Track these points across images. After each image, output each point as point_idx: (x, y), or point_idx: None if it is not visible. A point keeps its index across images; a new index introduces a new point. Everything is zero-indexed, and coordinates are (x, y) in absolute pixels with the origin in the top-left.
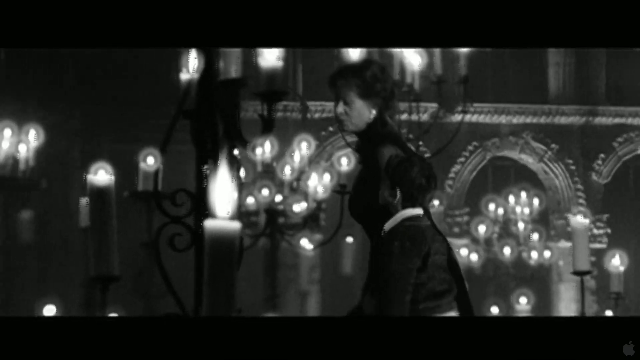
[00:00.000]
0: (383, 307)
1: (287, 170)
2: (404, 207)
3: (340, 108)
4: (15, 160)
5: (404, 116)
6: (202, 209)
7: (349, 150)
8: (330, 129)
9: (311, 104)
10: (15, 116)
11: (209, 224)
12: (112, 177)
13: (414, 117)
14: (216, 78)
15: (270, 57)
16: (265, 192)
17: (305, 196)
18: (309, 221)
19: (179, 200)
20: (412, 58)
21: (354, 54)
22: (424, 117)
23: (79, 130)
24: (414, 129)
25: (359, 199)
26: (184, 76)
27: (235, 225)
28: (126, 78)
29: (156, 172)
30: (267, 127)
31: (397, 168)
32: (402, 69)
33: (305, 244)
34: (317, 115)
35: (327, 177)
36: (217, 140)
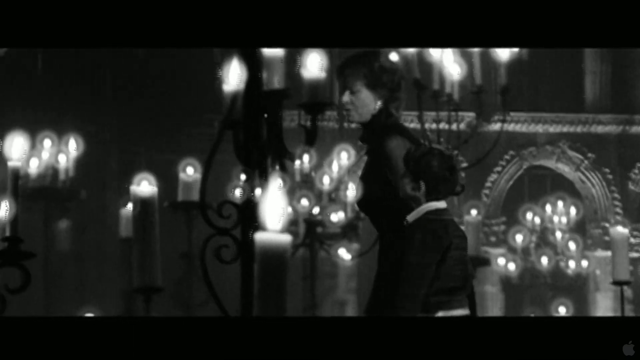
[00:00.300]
0: (396, 300)
1: (326, 180)
2: (428, 200)
3: (347, 97)
4: (55, 171)
5: (442, 125)
6: (248, 220)
7: None
8: None
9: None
10: (54, 126)
11: (259, 236)
12: (155, 188)
13: (453, 126)
14: (262, 88)
15: (313, 68)
16: (304, 202)
17: (343, 206)
18: (348, 231)
19: (225, 212)
20: (452, 68)
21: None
22: (461, 126)
23: (115, 139)
24: (452, 139)
25: (365, 190)
26: (228, 87)
27: (286, 238)
28: (163, 87)
29: (203, 184)
30: (310, 138)
31: (420, 160)
32: (441, 79)
33: (343, 253)
34: (353, 125)
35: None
36: (264, 152)
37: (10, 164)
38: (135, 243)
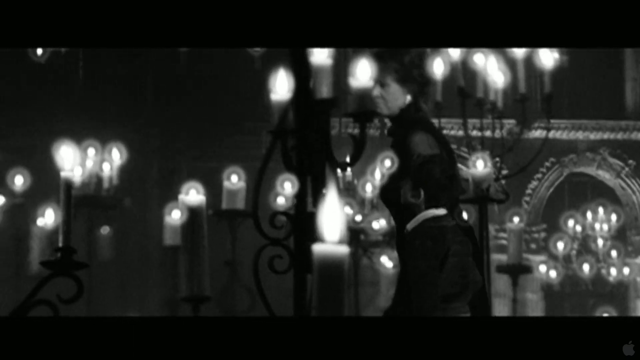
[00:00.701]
0: (414, 302)
1: (369, 187)
2: (427, 207)
3: (377, 91)
4: (99, 179)
5: (487, 133)
6: (301, 231)
7: None
8: None
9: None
10: (96, 134)
11: (317, 248)
12: (204, 197)
13: (497, 134)
14: (312, 97)
15: (362, 77)
16: (347, 210)
17: (386, 214)
18: (390, 239)
19: (278, 223)
20: (496, 75)
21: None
22: (500, 133)
23: (157, 147)
24: (496, 147)
25: (388, 182)
26: (275, 97)
27: (344, 249)
28: (204, 95)
29: (256, 193)
30: (359, 147)
31: (420, 169)
32: (486, 87)
33: (386, 261)
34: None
35: None
36: (316, 161)
37: (62, 174)
38: (183, 252)
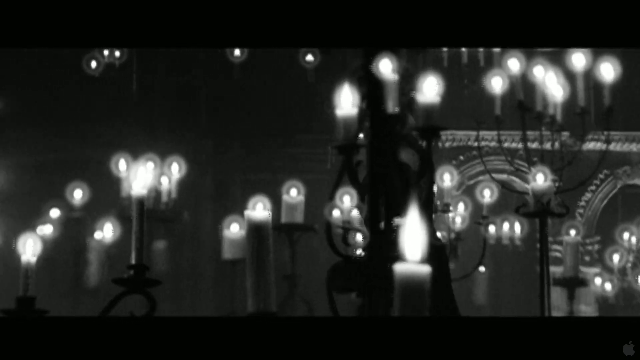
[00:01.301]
0: None
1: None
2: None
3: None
4: (157, 193)
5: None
6: (374, 248)
7: (490, 181)
8: (461, 157)
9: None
10: (149, 147)
11: (399, 268)
12: (269, 213)
13: (556, 147)
14: (385, 111)
15: (429, 93)
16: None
17: (444, 226)
18: (448, 252)
19: (350, 240)
20: (555, 89)
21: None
22: (560, 146)
23: (210, 160)
24: (555, 161)
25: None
26: (340, 112)
27: (426, 269)
28: (257, 107)
29: (329, 211)
30: (425, 162)
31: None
32: (545, 100)
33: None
34: (447, 145)
35: (461, 206)
36: (389, 177)
37: (134, 192)
38: (249, 268)
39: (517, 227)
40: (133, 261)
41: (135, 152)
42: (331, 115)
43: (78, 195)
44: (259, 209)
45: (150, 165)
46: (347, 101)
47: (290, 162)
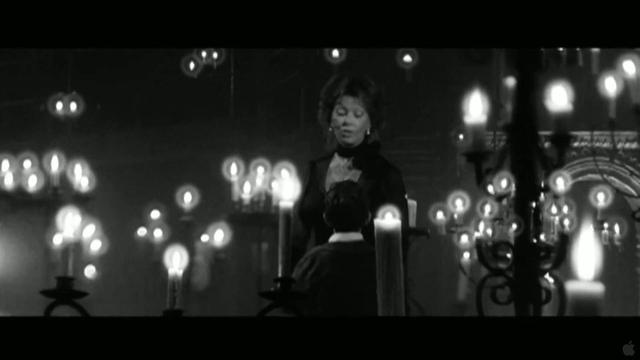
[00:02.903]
0: None
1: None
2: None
3: (353, 119)
4: (267, 197)
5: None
6: (521, 260)
7: (604, 185)
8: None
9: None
10: (246, 149)
11: (572, 286)
12: (399, 222)
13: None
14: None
15: (559, 101)
16: (514, 226)
17: (551, 228)
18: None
19: (501, 253)
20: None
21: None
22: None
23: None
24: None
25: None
26: (470, 119)
27: (599, 287)
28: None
29: (475, 224)
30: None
31: None
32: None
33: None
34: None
35: (565, 209)
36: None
37: (282, 204)
38: (379, 277)
39: (617, 228)
40: (280, 274)
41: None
42: (432, 116)
43: (188, 199)
44: (389, 218)
45: (260, 169)
46: (476, 109)
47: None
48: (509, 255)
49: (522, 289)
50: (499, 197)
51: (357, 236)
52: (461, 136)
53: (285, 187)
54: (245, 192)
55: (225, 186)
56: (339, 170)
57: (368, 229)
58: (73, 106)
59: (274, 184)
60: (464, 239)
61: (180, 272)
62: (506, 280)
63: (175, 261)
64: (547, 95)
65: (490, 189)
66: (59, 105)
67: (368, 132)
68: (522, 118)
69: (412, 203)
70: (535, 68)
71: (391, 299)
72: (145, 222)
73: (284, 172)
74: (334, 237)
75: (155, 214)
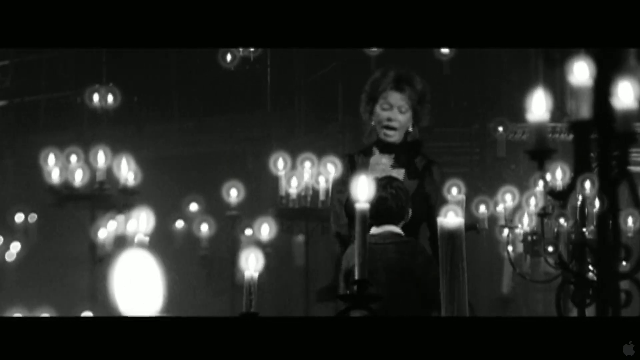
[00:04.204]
0: None
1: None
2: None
3: (398, 115)
4: (315, 192)
5: None
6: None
7: None
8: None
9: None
10: (285, 142)
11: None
12: (462, 220)
13: None
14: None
15: (625, 99)
16: (561, 221)
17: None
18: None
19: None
20: None
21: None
22: None
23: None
24: None
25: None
26: (532, 116)
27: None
28: None
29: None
30: (621, 169)
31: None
32: None
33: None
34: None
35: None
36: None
37: (358, 205)
38: (442, 275)
39: None
40: (357, 276)
41: (270, 146)
42: (470, 108)
43: (234, 194)
44: (451, 216)
45: (307, 164)
46: (539, 107)
47: (431, 156)
48: (550, 249)
49: (603, 292)
50: (556, 195)
51: (391, 228)
52: (500, 128)
53: (360, 188)
54: (293, 186)
55: (265, 179)
56: (380, 168)
57: (410, 226)
58: (110, 98)
59: (321, 179)
60: (506, 232)
61: (256, 275)
62: (588, 283)
63: (251, 263)
64: (614, 92)
65: (543, 185)
66: (96, 97)
67: (410, 129)
68: (599, 117)
69: (461, 197)
70: (612, 66)
71: (455, 298)
72: (183, 215)
73: (330, 167)
74: (371, 231)
75: (193, 207)
